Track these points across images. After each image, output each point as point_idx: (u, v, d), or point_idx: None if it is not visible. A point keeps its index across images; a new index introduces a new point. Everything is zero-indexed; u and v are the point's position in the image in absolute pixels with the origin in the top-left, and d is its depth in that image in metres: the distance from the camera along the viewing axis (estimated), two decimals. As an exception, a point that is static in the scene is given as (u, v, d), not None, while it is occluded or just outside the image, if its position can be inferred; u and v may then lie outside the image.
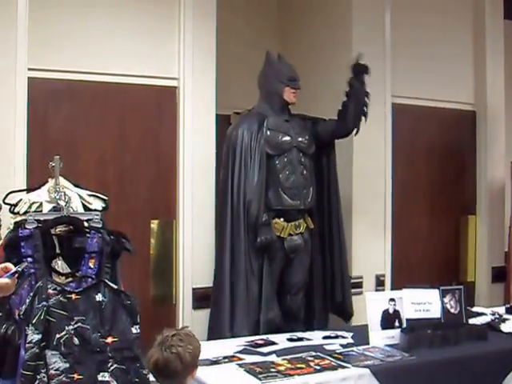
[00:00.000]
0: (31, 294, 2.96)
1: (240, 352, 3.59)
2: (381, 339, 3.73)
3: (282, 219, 4.53)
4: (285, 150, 4.57)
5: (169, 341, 2.74)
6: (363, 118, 4.62)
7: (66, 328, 2.97)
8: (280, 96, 4.62)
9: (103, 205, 3.55)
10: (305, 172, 4.64)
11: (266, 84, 4.69)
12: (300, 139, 4.64)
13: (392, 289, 5.16)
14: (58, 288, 3.02)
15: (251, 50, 5.64)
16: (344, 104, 4.63)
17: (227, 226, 4.48)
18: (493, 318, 4.29)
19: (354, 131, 4.68)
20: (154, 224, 4.75)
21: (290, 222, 4.55)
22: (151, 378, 2.89)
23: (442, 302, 3.93)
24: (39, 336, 2.89)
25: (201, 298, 4.71)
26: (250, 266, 4.44)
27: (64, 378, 2.91)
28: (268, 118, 4.60)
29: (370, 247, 5.24)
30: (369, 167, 5.23)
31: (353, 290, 5.09)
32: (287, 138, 4.59)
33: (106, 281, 3.12)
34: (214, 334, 4.42)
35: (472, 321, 4.14)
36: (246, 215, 4.43)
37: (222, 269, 4.51)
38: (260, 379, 3.09)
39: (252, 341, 3.83)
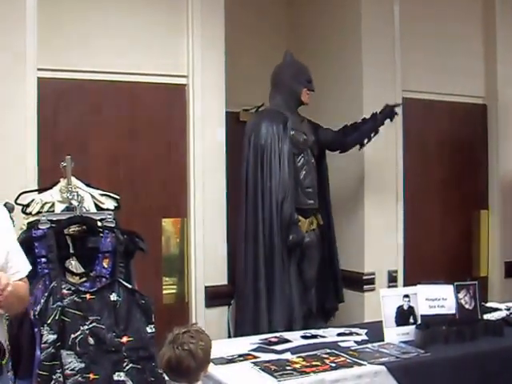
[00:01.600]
0: (46, 295, 2.97)
1: (254, 350, 3.57)
2: (395, 336, 3.71)
3: (301, 216, 4.55)
4: (302, 150, 4.61)
5: (180, 338, 2.70)
6: (359, 145, 4.78)
7: (81, 328, 2.98)
8: (297, 96, 4.65)
9: (115, 204, 3.54)
10: (314, 172, 4.70)
11: (283, 83, 4.69)
12: (312, 140, 4.70)
13: (404, 285, 5.13)
14: (73, 288, 3.03)
15: (261, 47, 5.64)
16: (355, 125, 4.74)
17: (260, 224, 4.49)
18: (508, 313, 4.27)
19: (341, 150, 4.80)
20: (166, 223, 4.74)
21: (306, 219, 4.58)
22: (166, 377, 2.88)
23: (457, 298, 3.90)
24: (54, 336, 2.89)
25: (213, 296, 4.70)
26: (283, 264, 4.47)
27: (80, 378, 2.92)
28: (289, 117, 4.61)
29: (382, 243, 5.21)
30: (380, 162, 5.20)
31: (365, 287, 5.10)
32: (304, 138, 4.63)
33: (121, 280, 3.12)
34: (245, 329, 4.44)
35: (487, 316, 4.11)
36: (279, 214, 4.44)
37: (256, 267, 4.50)
38: (276, 377, 3.07)
39: (266, 339, 3.81)
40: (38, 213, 3.30)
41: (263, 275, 4.46)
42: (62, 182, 3.45)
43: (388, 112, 4.71)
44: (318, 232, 4.71)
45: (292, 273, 4.52)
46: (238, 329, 4.57)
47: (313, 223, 4.64)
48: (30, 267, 2.68)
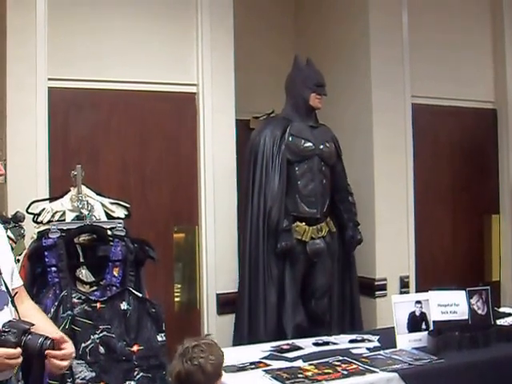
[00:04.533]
0: (56, 304, 2.98)
1: (266, 358, 3.55)
2: (408, 342, 3.68)
3: (303, 223, 4.53)
4: (305, 157, 4.56)
5: (190, 352, 2.64)
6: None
7: (92, 337, 2.98)
8: (306, 101, 4.60)
9: (126, 212, 3.55)
10: (324, 181, 4.63)
11: (293, 89, 4.68)
12: (322, 147, 4.63)
13: (417, 290, 5.11)
14: (83, 297, 3.03)
15: (270, 54, 5.65)
16: (344, 212, 4.77)
17: (247, 232, 4.52)
18: (521, 318, 4.23)
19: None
20: (177, 230, 4.74)
21: (311, 226, 4.54)
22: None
23: (469, 304, 3.87)
24: (65, 345, 2.88)
25: (225, 304, 4.69)
26: (270, 272, 4.46)
27: (90, 388, 2.92)
28: (292, 123, 4.59)
29: (393, 249, 5.18)
30: (390, 168, 5.18)
31: (377, 293, 5.08)
32: (309, 145, 4.58)
33: (131, 289, 3.12)
34: (237, 339, 4.46)
35: (500, 322, 4.08)
36: (266, 221, 4.44)
37: (242, 275, 4.55)
38: (287, 385, 3.06)
39: (278, 346, 3.80)
40: (49, 222, 3.31)
41: (247, 283, 4.50)
42: (73, 191, 3.46)
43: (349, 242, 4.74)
44: (330, 239, 4.67)
45: (288, 281, 4.48)
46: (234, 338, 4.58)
47: (322, 230, 4.59)
48: None
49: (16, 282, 2.47)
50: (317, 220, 4.58)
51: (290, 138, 4.54)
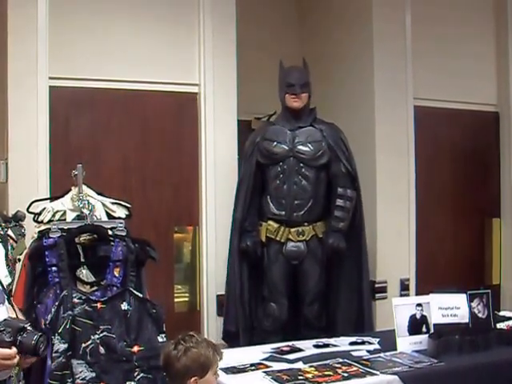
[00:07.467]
0: (56, 304, 2.97)
1: (266, 359, 3.54)
2: (408, 345, 3.67)
3: (283, 224, 4.51)
4: (278, 160, 4.53)
5: (180, 338, 2.67)
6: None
7: (92, 337, 2.97)
8: (284, 104, 4.61)
9: (127, 212, 3.53)
10: (303, 183, 4.52)
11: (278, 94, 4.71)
12: (301, 148, 4.54)
13: (417, 293, 5.10)
14: (83, 297, 3.02)
15: (272, 54, 5.61)
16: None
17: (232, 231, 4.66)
18: (521, 322, 4.22)
19: None
20: (178, 231, 4.75)
21: (291, 228, 4.51)
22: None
23: (470, 307, 3.86)
24: (65, 345, 2.89)
25: (225, 305, 4.70)
26: (239, 270, 4.59)
27: (90, 388, 2.91)
28: (271, 126, 4.65)
29: (394, 251, 5.18)
30: (392, 170, 5.18)
31: (377, 295, 5.07)
32: (281, 147, 4.54)
33: (131, 289, 3.11)
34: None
35: (500, 325, 4.06)
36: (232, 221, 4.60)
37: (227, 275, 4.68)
38: (288, 387, 3.05)
39: (278, 347, 3.79)
40: (50, 221, 3.29)
41: (224, 283, 4.64)
42: (74, 191, 3.45)
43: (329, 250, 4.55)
44: (317, 244, 4.58)
45: (245, 282, 4.58)
46: None
47: (304, 233, 4.52)
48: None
49: None
50: (294, 222, 4.52)
51: (263, 142, 4.57)
